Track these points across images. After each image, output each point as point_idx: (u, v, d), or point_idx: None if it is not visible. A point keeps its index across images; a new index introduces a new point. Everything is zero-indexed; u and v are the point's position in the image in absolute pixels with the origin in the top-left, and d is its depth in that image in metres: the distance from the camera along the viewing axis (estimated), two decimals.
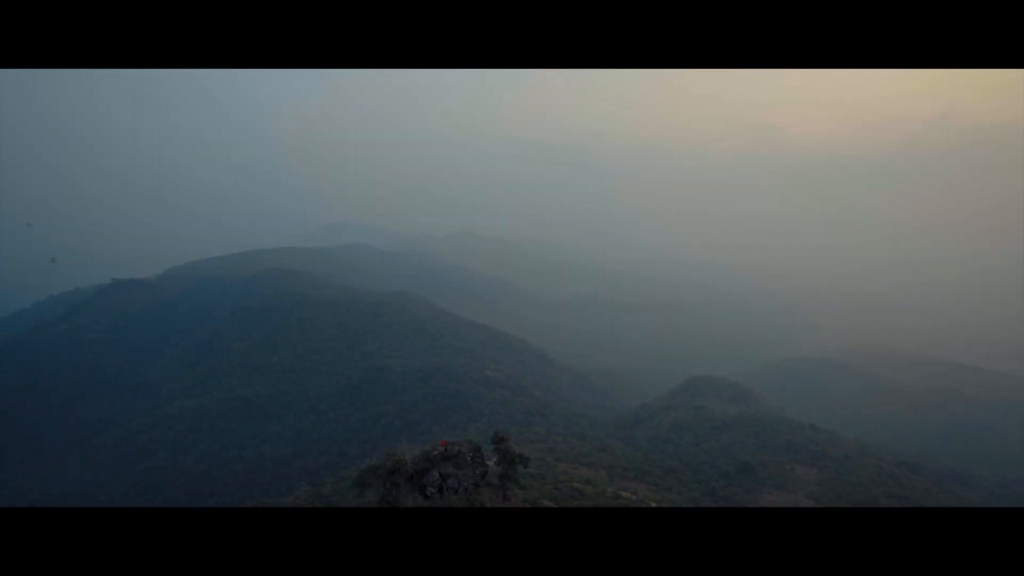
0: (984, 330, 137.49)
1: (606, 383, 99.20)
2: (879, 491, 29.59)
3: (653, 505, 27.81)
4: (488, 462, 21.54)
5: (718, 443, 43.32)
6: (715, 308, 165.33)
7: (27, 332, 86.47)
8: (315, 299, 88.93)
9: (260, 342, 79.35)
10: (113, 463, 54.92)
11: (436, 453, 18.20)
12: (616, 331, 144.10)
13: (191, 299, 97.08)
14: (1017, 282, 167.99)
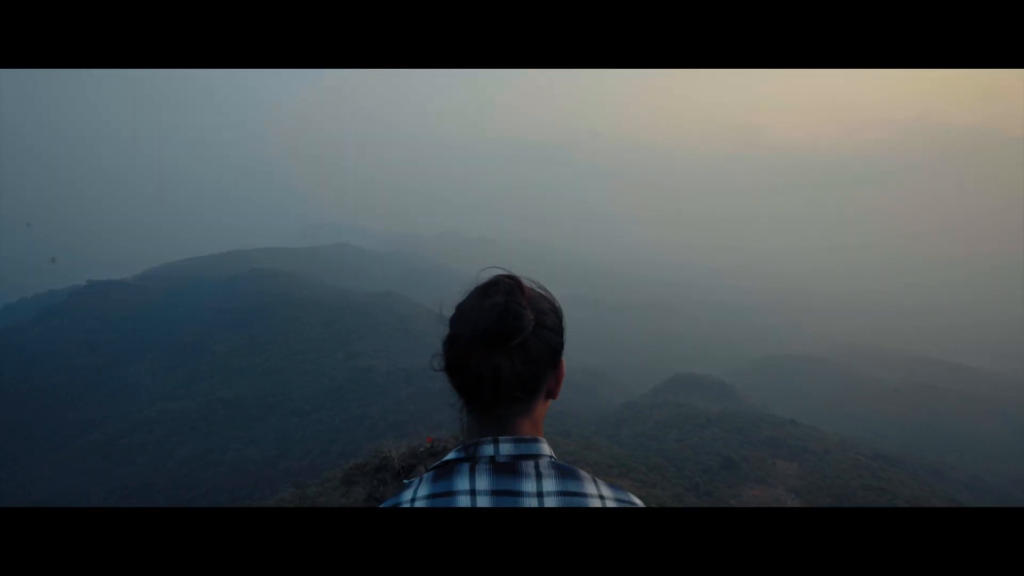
0: (966, 329, 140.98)
1: (591, 382, 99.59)
2: (856, 483, 30.27)
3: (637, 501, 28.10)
4: None
5: (702, 439, 43.93)
6: (700, 307, 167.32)
7: None
8: (299, 299, 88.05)
9: (243, 343, 78.26)
10: (92, 468, 53.82)
11: (422, 450, 18.26)
12: (602, 330, 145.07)
13: (171, 300, 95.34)
14: (1000, 283, 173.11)
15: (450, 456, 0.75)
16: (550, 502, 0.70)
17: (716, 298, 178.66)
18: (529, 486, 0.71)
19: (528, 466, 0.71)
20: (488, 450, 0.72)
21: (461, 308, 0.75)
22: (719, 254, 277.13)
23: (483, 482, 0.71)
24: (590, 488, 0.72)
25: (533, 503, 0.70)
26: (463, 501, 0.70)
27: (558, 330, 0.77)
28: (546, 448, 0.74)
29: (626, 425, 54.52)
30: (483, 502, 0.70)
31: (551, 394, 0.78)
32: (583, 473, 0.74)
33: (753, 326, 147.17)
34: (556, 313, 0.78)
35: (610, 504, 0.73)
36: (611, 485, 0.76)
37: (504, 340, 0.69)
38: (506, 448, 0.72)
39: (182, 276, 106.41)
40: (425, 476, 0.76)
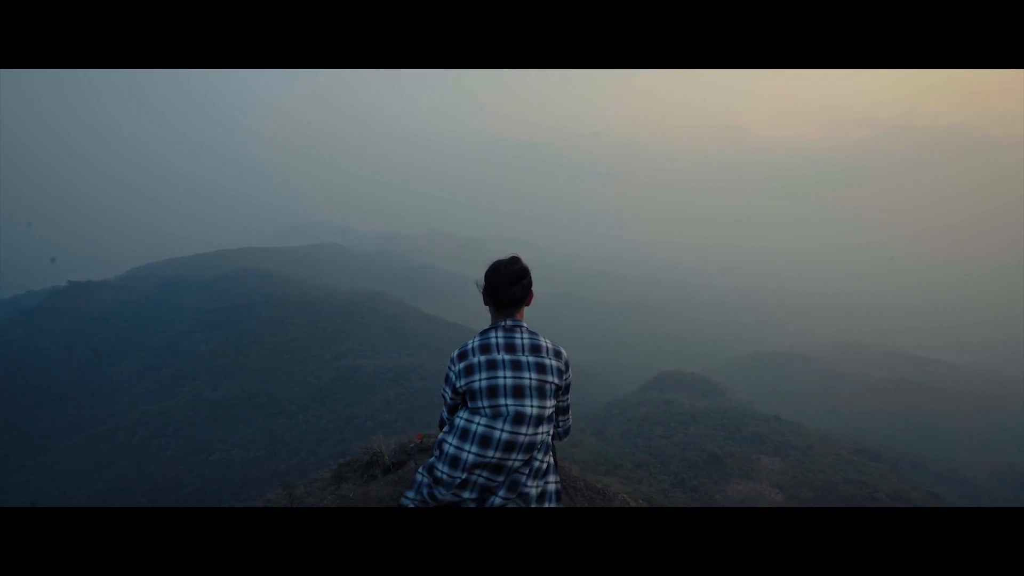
0: (948, 327, 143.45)
1: (578, 380, 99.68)
2: (839, 477, 30.83)
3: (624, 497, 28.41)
4: None
5: (687, 435, 44.38)
6: (686, 305, 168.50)
7: None
8: (285, 299, 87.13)
9: (228, 344, 77.25)
10: (74, 472, 52.81)
11: (412, 446, 18.22)
12: (589, 328, 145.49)
13: (155, 300, 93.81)
14: (983, 283, 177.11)
15: (486, 328, 1.67)
16: (526, 341, 1.61)
17: (702, 296, 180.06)
18: (518, 335, 1.63)
19: (517, 330, 1.65)
20: (502, 323, 1.66)
21: (498, 267, 1.65)
22: (705, 253, 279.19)
23: (500, 335, 1.63)
24: (543, 339, 1.65)
25: (518, 341, 1.61)
26: (493, 340, 1.61)
27: (530, 277, 1.70)
28: (526, 324, 1.67)
29: (612, 422, 54.84)
30: (501, 341, 1.60)
31: (527, 303, 1.71)
32: (541, 335, 1.66)
33: (738, 324, 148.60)
34: (528, 270, 1.70)
35: (549, 345, 1.65)
36: (553, 341, 1.67)
37: (521, 280, 1.64)
38: (509, 323, 1.66)
39: (165, 276, 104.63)
40: (477, 335, 1.66)
